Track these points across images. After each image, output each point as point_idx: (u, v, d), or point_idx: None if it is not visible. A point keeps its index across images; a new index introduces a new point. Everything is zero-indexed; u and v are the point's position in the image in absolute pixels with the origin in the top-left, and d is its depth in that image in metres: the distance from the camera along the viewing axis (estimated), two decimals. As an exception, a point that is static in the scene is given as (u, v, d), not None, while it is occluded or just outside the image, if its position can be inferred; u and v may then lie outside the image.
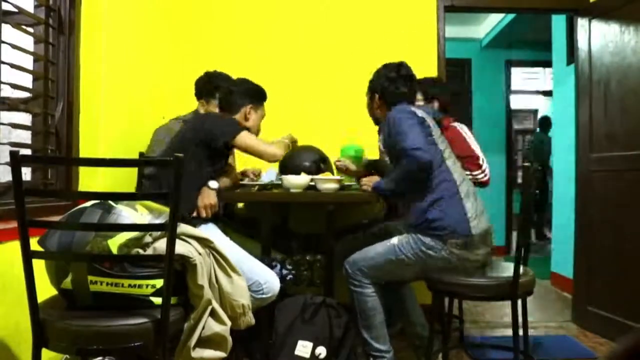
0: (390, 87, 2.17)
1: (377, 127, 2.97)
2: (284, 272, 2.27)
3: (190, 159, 1.97)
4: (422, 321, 2.26)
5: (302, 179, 2.17)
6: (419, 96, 2.60)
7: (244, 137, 2.05)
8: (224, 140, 2.02)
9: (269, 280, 1.90)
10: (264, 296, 1.89)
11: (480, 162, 2.42)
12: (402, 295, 2.36)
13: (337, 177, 2.24)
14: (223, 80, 2.43)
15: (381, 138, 2.19)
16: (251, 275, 1.86)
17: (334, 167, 2.71)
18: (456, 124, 2.52)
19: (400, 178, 1.97)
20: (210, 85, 2.43)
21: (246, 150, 2.08)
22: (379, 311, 2.01)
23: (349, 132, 2.96)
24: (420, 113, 2.04)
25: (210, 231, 1.97)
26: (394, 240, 1.98)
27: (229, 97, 2.26)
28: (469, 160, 2.37)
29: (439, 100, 2.60)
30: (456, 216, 1.86)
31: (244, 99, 2.23)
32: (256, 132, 2.28)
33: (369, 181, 2.17)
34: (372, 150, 2.88)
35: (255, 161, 2.81)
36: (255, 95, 2.28)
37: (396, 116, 2.01)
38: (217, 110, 2.40)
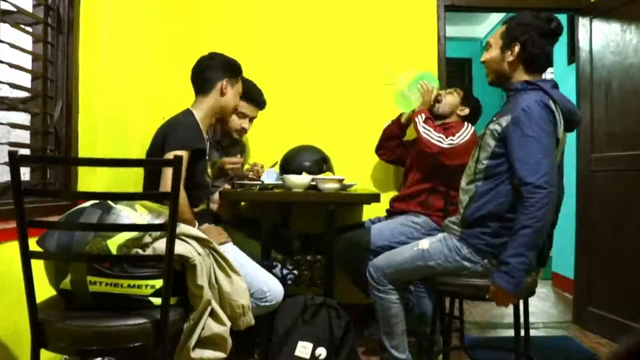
0: (539, 41, 1.71)
1: (379, 127, 2.98)
2: (285, 272, 2.27)
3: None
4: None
5: (304, 179, 2.17)
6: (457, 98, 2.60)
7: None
8: (163, 154, 1.87)
9: (272, 288, 1.90)
10: (267, 304, 1.89)
11: None
12: (419, 292, 2.35)
13: (338, 177, 2.23)
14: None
15: (495, 125, 1.72)
16: (255, 282, 1.85)
17: (334, 166, 2.70)
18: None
19: (541, 230, 1.57)
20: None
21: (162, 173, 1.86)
22: (401, 319, 1.96)
23: (349, 132, 2.96)
24: (555, 111, 1.63)
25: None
26: (424, 244, 1.86)
27: (202, 73, 2.08)
28: None
29: (470, 108, 2.60)
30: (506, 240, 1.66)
31: (218, 73, 2.07)
32: (233, 110, 2.18)
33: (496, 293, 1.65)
34: (372, 151, 2.88)
35: (259, 158, 2.81)
36: (230, 68, 2.12)
37: (534, 114, 1.59)
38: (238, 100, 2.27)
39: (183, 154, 1.82)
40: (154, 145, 2.03)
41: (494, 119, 1.76)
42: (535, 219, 1.55)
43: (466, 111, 2.60)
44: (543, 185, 1.54)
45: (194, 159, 1.92)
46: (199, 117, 2.04)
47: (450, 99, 2.60)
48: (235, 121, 2.41)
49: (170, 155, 1.83)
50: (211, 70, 2.07)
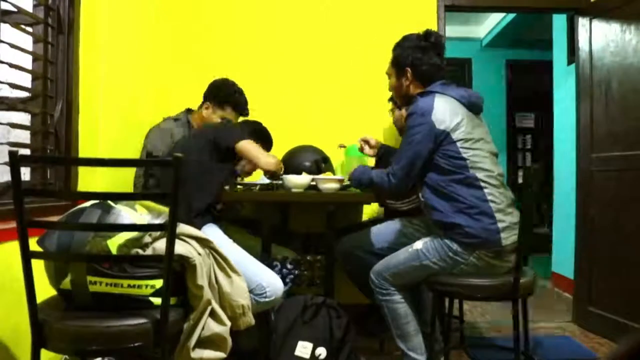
0: (424, 58, 1.93)
1: (378, 127, 2.98)
2: (284, 272, 2.27)
3: (199, 159, 2.05)
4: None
5: (304, 179, 2.17)
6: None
7: (245, 143, 2.08)
8: (227, 143, 2.06)
9: (272, 283, 1.89)
10: (267, 299, 1.88)
11: None
12: (418, 292, 2.34)
13: (338, 177, 2.23)
14: (238, 94, 2.52)
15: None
16: (254, 278, 1.85)
17: (334, 166, 2.70)
18: None
19: (375, 186, 1.98)
20: (224, 93, 2.49)
21: (244, 154, 2.10)
22: (411, 318, 1.95)
23: (350, 132, 2.95)
24: (439, 112, 1.82)
25: (212, 232, 1.97)
26: (418, 245, 1.90)
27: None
28: None
29: None
30: (486, 227, 1.76)
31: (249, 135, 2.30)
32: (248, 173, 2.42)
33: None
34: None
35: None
36: (262, 137, 2.37)
37: (410, 114, 1.86)
38: (218, 119, 2.45)
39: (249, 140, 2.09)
40: (196, 141, 2.13)
41: None
42: (371, 182, 1.97)
43: None
44: (392, 172, 1.88)
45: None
46: None
47: (398, 114, 2.63)
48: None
49: (242, 143, 2.06)
50: (244, 130, 2.29)
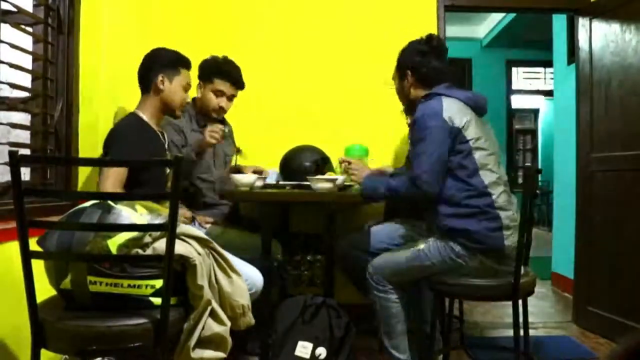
0: (424, 61, 1.97)
1: (378, 127, 2.98)
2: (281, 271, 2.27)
3: None
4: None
5: (249, 178, 2.15)
6: None
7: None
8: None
9: (251, 276, 1.88)
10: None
11: None
12: (419, 290, 2.34)
13: (333, 176, 2.22)
14: (226, 63, 2.44)
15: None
16: None
17: (335, 167, 2.70)
18: None
19: (400, 196, 1.89)
20: (209, 65, 2.42)
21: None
22: (401, 319, 1.96)
23: (350, 132, 2.96)
24: (450, 111, 1.82)
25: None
26: (420, 245, 1.90)
27: (140, 72, 2.02)
28: None
29: None
30: (490, 228, 1.77)
31: (155, 69, 2.01)
32: (180, 104, 2.05)
33: (361, 171, 2.10)
34: (377, 151, 2.88)
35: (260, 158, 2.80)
36: (167, 62, 2.07)
37: (420, 117, 1.85)
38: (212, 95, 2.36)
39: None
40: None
41: None
42: (397, 192, 1.88)
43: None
44: (416, 176, 1.79)
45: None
46: (146, 117, 1.97)
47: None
48: (212, 100, 2.34)
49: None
50: (147, 68, 2.01)
